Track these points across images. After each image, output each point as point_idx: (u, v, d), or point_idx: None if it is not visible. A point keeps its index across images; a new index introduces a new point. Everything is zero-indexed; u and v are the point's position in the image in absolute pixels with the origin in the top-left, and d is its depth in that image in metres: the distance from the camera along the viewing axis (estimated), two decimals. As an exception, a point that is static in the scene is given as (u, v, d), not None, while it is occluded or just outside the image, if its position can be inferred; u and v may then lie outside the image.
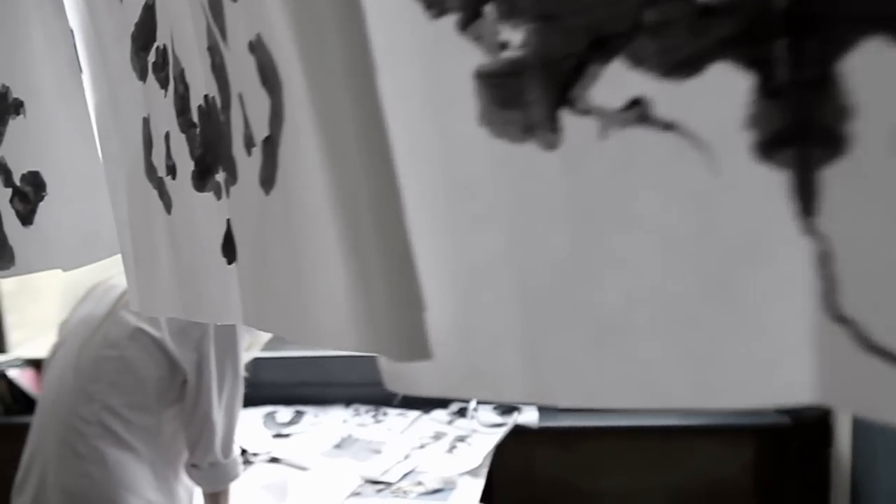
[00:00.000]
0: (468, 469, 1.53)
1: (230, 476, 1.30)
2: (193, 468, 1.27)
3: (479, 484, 1.48)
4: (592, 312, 0.37)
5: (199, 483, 1.29)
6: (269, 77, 0.44)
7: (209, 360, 1.24)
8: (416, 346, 0.38)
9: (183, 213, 0.58)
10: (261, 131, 0.46)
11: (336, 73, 0.37)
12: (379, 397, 2.00)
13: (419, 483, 1.48)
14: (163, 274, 0.59)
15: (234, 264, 0.53)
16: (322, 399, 2.05)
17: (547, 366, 0.39)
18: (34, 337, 2.42)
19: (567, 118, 0.35)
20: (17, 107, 0.74)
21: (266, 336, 1.46)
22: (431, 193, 0.40)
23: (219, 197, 0.55)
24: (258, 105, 0.46)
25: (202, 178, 0.54)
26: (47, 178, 0.73)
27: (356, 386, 2.04)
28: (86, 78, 0.69)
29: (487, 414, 1.83)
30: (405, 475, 1.54)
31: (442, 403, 1.95)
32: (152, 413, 1.24)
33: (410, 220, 0.38)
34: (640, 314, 0.36)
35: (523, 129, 0.36)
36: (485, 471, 1.55)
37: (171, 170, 0.59)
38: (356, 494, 1.46)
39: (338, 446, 1.71)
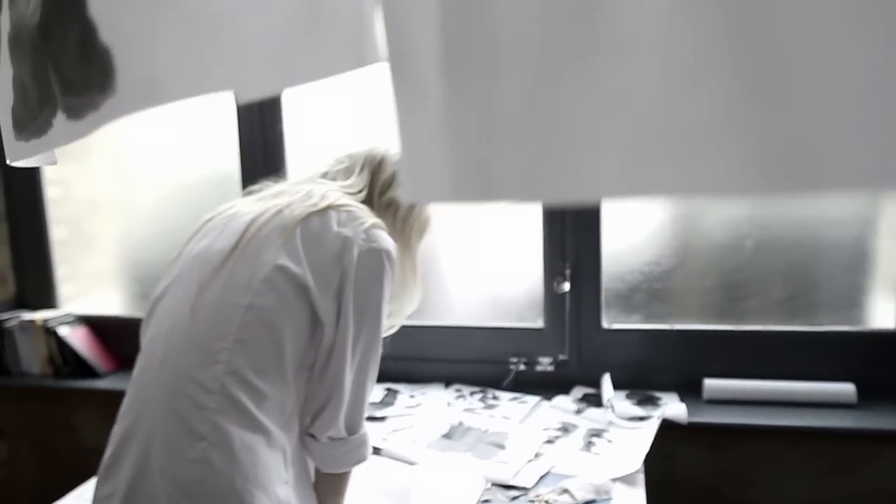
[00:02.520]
0: (622, 474, 1.23)
1: (353, 458, 1.02)
2: (311, 439, 0.99)
3: (639, 496, 1.18)
4: None
5: (314, 459, 1.01)
6: None
7: (348, 311, 0.95)
8: None
9: None
10: None
11: None
12: (484, 377, 1.71)
13: (564, 491, 1.18)
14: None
15: None
16: (417, 377, 1.76)
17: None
18: (87, 291, 2.17)
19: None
20: None
21: (414, 304, 1.16)
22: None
23: None
24: None
25: None
26: None
27: (456, 363, 1.75)
28: None
29: (624, 404, 1.51)
30: (541, 479, 1.24)
31: (563, 388, 1.64)
32: (286, 383, 0.94)
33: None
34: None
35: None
36: (642, 478, 1.24)
37: None
38: (486, 502, 1.17)
39: (447, 437, 1.42)
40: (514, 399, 1.60)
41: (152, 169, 2.02)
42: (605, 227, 1.64)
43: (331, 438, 0.98)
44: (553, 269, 1.66)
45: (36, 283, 2.14)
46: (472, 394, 1.66)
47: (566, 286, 1.64)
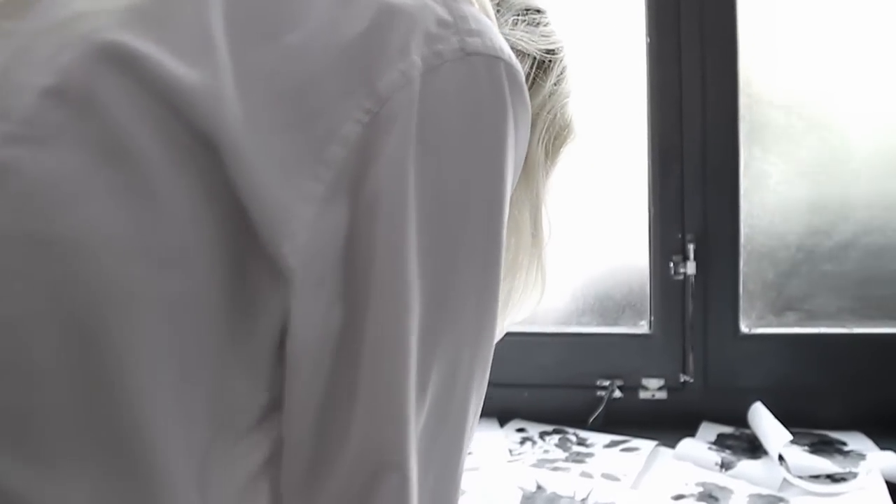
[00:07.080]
0: None
1: None
2: None
3: None
4: None
5: None
6: None
7: (401, 236, 0.32)
8: None
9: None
10: None
11: None
12: (559, 410, 1.16)
13: None
14: None
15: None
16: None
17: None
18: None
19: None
20: None
21: (534, 296, 0.57)
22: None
23: None
24: None
25: None
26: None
27: (515, 388, 1.20)
28: None
29: (793, 452, 0.95)
30: None
31: (683, 426, 1.08)
32: (138, 459, 0.30)
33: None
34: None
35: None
36: None
37: None
38: None
39: (522, 512, 0.86)
40: (614, 444, 1.04)
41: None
42: (744, 181, 1.10)
43: None
44: (666, 245, 1.11)
45: None
46: (543, 436, 1.10)
47: (688, 269, 1.09)
